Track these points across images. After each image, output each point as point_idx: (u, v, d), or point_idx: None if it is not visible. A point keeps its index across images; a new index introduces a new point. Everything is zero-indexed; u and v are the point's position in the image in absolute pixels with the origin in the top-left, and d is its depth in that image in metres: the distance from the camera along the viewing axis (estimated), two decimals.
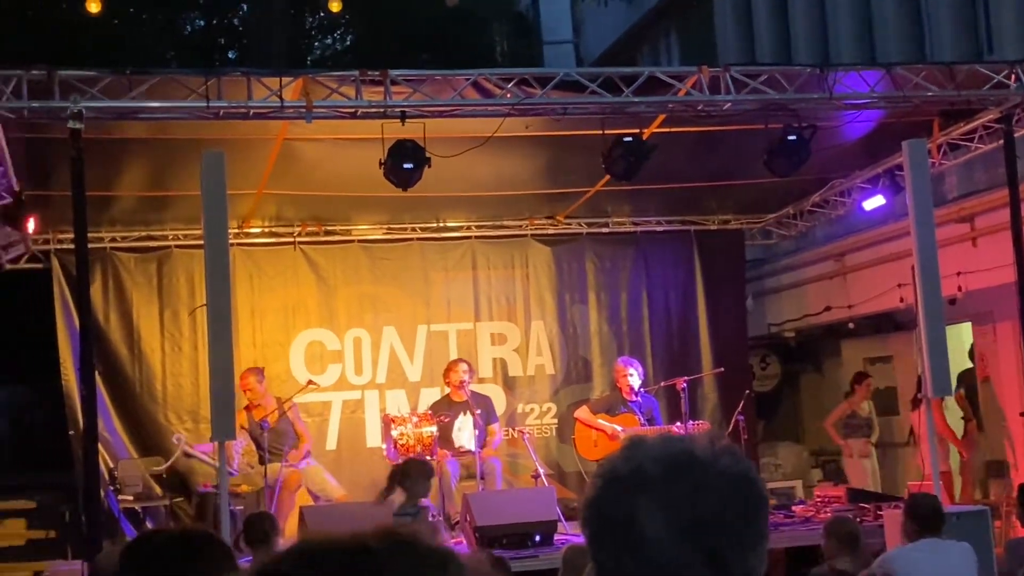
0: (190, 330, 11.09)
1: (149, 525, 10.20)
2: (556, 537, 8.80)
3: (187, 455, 10.08)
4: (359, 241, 11.81)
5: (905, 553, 6.15)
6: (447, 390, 10.62)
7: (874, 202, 10.92)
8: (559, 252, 12.21)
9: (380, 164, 8.53)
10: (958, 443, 11.37)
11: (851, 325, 13.07)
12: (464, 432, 10.14)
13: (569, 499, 10.60)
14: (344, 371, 11.54)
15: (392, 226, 11.80)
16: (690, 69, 8.73)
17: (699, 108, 8.70)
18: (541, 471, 10.19)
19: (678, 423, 10.34)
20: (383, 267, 11.76)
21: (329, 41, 21.47)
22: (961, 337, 11.98)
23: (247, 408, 10.01)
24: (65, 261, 10.76)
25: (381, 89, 8.23)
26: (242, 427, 9.39)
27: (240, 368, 9.59)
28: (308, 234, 11.60)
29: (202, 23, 20.21)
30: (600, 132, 8.72)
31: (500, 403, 11.42)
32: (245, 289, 11.19)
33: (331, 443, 11.33)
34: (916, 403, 10.70)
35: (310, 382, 10.55)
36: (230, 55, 19.76)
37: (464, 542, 8.75)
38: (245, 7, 19.54)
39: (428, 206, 11.09)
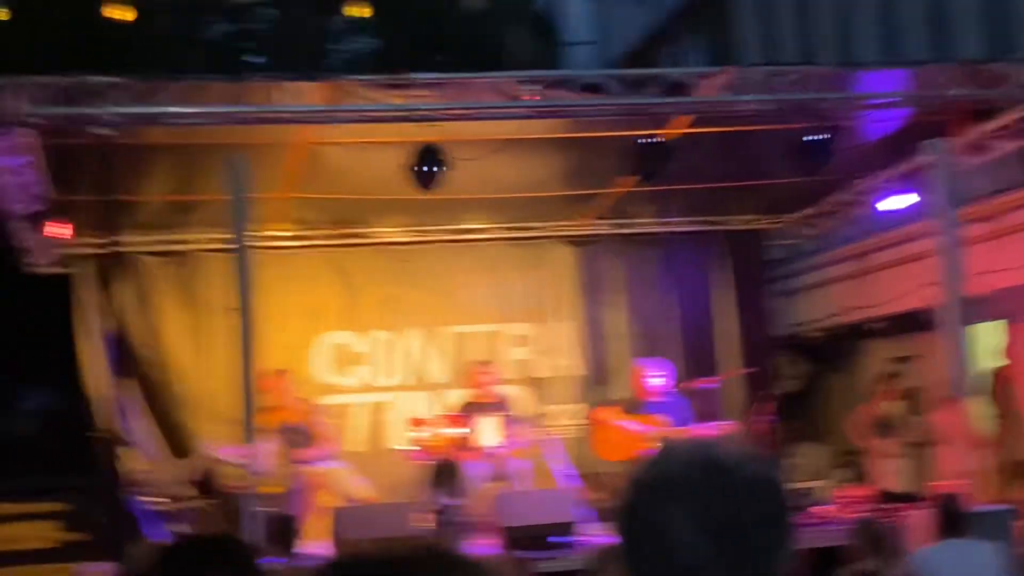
0: (216, 333, 11.16)
1: (177, 527, 10.29)
2: (581, 538, 8.81)
3: (219, 461, 10.14)
4: (383, 244, 11.86)
5: (929, 554, 6.15)
6: (472, 392, 10.66)
7: (898, 202, 10.89)
8: (583, 253, 12.23)
9: (404, 167, 8.57)
10: (981, 444, 11.30)
11: (875, 325, 13.02)
12: (489, 434, 10.17)
13: (595, 500, 10.60)
14: (369, 373, 11.60)
15: (416, 229, 11.84)
16: (713, 70, 8.75)
17: (722, 109, 8.70)
18: (568, 472, 10.21)
19: (703, 424, 10.33)
20: (407, 269, 11.81)
21: (351, 45, 21.54)
22: (991, 336, 11.91)
23: (271, 409, 10.07)
24: (92, 265, 10.86)
25: (404, 92, 8.28)
26: (267, 429, 9.45)
27: (266, 370, 9.65)
28: (333, 237, 11.66)
29: (227, 28, 20.32)
30: (623, 134, 8.74)
31: (525, 404, 11.45)
32: (270, 292, 11.23)
33: (356, 445, 11.39)
34: (941, 403, 10.66)
35: (332, 386, 10.58)
36: (255, 60, 19.85)
37: (489, 543, 8.78)
38: (270, 12, 19.65)
39: (451, 208, 11.13)
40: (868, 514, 8.48)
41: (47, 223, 9.34)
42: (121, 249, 10.48)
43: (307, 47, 17.99)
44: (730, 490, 1.45)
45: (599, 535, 8.73)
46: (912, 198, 10.67)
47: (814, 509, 10.21)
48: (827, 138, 8.83)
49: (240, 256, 7.79)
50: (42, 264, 11.19)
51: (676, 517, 1.43)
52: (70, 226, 9.43)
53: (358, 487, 10.21)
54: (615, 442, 10.45)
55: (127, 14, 10.78)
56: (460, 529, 7.98)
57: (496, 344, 11.85)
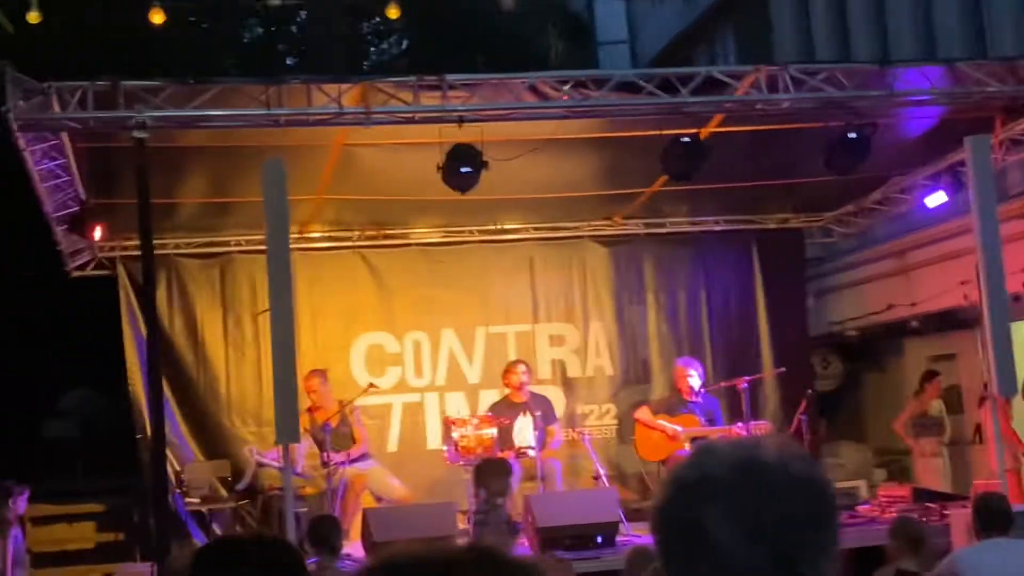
0: (253, 334, 11.24)
1: (215, 527, 10.36)
2: (618, 538, 8.79)
3: (260, 464, 10.19)
4: (417, 244, 11.90)
5: (971, 553, 6.09)
6: (506, 392, 10.65)
7: (936, 199, 10.79)
8: (617, 253, 12.21)
9: (438, 168, 8.58)
10: (1021, 445, 11.18)
11: (914, 323, 12.91)
12: (524, 433, 10.16)
13: (630, 500, 10.58)
14: (404, 374, 11.64)
15: (450, 229, 11.86)
16: (747, 68, 8.71)
17: (757, 107, 8.66)
18: (601, 472, 10.19)
19: (739, 423, 10.29)
20: (441, 270, 11.83)
21: (385, 46, 21.62)
22: None
23: (309, 410, 10.11)
24: (130, 268, 10.95)
25: (438, 93, 8.29)
26: (305, 429, 9.49)
27: (303, 371, 9.70)
28: (367, 238, 11.71)
29: (261, 31, 20.44)
30: (657, 133, 8.71)
31: (559, 404, 11.44)
32: (306, 293, 11.31)
33: (392, 445, 11.42)
34: (982, 401, 10.56)
35: (371, 385, 10.64)
36: (289, 62, 19.95)
37: (526, 543, 8.77)
38: (303, 14, 19.73)
39: (485, 209, 11.13)
40: (908, 513, 8.41)
41: (86, 226, 9.42)
42: (159, 252, 10.56)
43: (341, 49, 18.05)
44: (773, 490, 1.43)
45: (636, 535, 8.71)
46: (945, 196, 10.57)
47: (853, 508, 10.14)
48: (866, 135, 8.76)
49: (276, 257, 7.82)
50: (83, 267, 11.32)
51: (714, 517, 1.42)
52: (102, 227, 9.51)
53: (393, 487, 10.24)
54: (656, 442, 10.43)
55: (156, 16, 10.84)
56: (504, 530, 7.97)
57: (530, 344, 11.85)
